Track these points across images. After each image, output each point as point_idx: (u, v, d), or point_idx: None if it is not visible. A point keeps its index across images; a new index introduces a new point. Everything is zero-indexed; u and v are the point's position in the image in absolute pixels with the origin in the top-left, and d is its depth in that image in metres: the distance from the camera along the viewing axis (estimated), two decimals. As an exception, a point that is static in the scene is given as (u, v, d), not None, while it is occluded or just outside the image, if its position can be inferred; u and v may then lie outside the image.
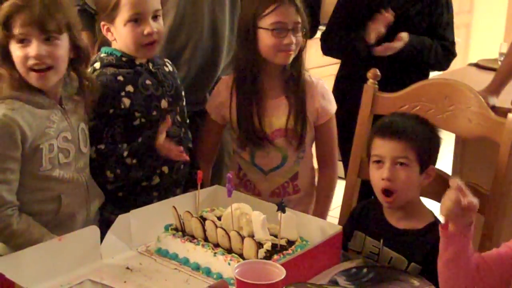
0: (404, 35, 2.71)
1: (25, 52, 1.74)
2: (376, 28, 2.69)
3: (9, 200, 1.75)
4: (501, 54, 3.42)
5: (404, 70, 2.77)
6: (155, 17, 2.01)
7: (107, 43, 2.09)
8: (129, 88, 2.01)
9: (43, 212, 1.83)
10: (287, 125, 2.18)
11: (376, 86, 2.10)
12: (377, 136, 1.83)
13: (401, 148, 1.77)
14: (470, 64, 3.56)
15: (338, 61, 3.05)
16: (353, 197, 2.16)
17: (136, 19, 1.97)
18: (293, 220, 1.74)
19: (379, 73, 2.10)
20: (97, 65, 2.03)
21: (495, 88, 2.65)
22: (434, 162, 1.84)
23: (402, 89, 2.08)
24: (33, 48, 1.74)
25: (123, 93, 2.00)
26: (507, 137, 1.83)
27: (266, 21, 2.10)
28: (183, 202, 1.90)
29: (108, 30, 2.02)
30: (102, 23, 2.01)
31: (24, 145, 1.74)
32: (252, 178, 2.26)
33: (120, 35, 2.00)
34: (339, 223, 2.11)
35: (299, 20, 2.11)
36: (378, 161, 1.81)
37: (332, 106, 2.26)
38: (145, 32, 1.98)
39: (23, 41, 1.74)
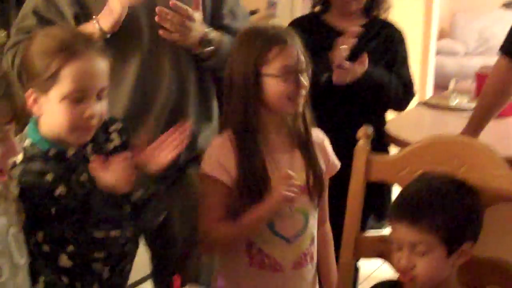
0: (366, 60, 2.40)
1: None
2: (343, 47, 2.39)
3: None
4: (452, 90, 3.20)
5: (361, 111, 2.48)
6: (99, 97, 1.59)
7: None
8: (61, 189, 1.53)
9: None
10: (309, 181, 1.83)
11: (369, 147, 1.76)
12: (391, 218, 1.53)
13: (418, 232, 1.48)
14: (420, 104, 3.31)
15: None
16: (348, 282, 1.80)
17: (77, 98, 1.55)
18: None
19: (370, 132, 1.77)
20: (20, 157, 1.54)
21: (473, 132, 2.38)
22: (472, 237, 1.52)
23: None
24: None
25: (56, 194, 1.53)
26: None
27: (273, 67, 1.77)
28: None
29: (36, 101, 1.57)
30: (30, 90, 1.56)
31: None
32: (271, 251, 1.80)
33: (52, 112, 1.56)
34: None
35: (303, 60, 1.80)
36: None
37: (337, 162, 1.96)
38: (86, 114, 1.56)
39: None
